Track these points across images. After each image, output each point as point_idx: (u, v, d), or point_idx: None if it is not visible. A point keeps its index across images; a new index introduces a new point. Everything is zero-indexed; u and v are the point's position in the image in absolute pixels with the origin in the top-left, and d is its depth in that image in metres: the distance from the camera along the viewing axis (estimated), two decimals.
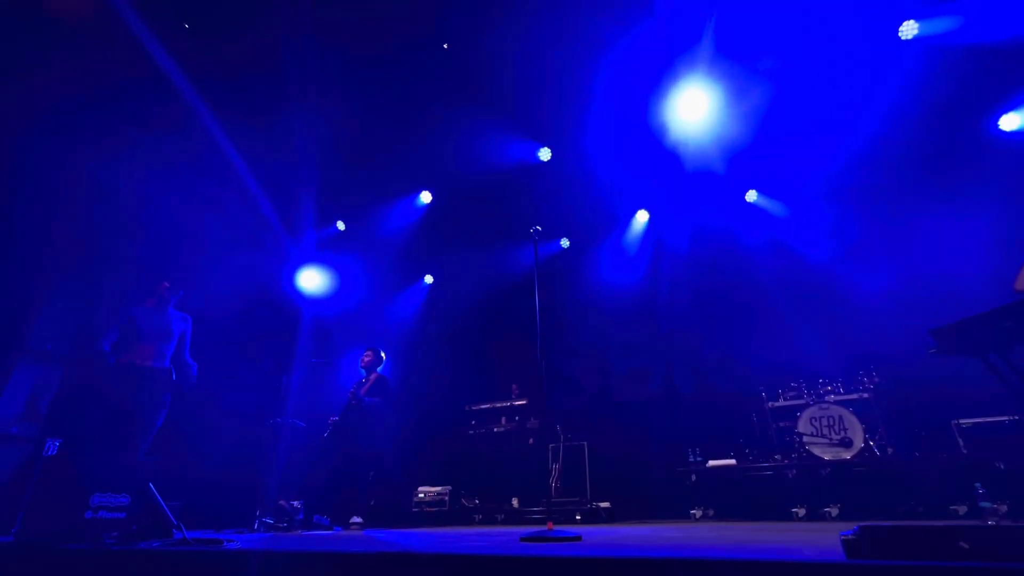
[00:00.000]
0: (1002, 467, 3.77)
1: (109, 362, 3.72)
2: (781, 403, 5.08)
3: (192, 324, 4.14)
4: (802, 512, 4.17)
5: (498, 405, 6.35)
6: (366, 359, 5.30)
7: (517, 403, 6.23)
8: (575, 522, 4.77)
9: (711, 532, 2.91)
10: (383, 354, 5.41)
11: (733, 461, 4.89)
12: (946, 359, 2.93)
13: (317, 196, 6.71)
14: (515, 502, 5.42)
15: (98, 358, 3.72)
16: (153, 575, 1.90)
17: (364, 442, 4.90)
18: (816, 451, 4.55)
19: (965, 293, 4.49)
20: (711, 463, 4.93)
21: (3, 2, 4.20)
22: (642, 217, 6.96)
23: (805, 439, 4.61)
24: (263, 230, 6.71)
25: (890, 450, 4.39)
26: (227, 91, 5.32)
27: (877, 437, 4.47)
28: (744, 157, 6.02)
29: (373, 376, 5.20)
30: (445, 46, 5.39)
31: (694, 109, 5.59)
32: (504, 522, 5.18)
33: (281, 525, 4.33)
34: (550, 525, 2.71)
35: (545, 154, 6.48)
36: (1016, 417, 3.97)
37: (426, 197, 7.16)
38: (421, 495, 5.77)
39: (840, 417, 4.56)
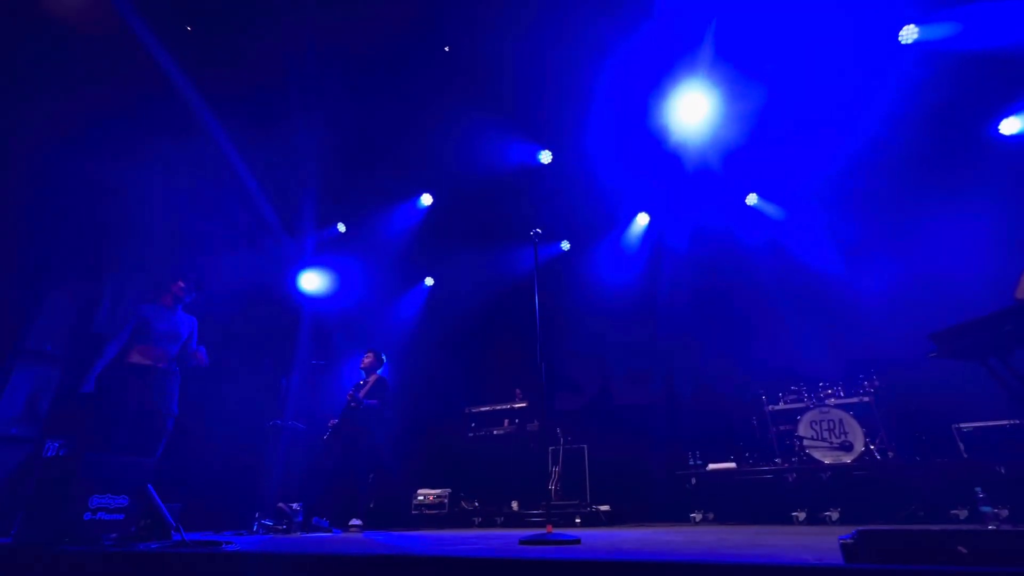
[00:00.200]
0: (1003, 471, 3.76)
1: (128, 361, 3.71)
2: (781, 406, 5.07)
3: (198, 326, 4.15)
4: (802, 516, 4.16)
5: (498, 408, 6.34)
6: (366, 361, 5.31)
7: (517, 406, 6.23)
8: (575, 525, 4.76)
9: (711, 536, 2.90)
10: (383, 356, 5.41)
11: (733, 464, 4.88)
12: (947, 363, 2.93)
13: (318, 198, 6.72)
14: (515, 505, 5.41)
15: (107, 359, 3.71)
16: None
17: (363, 444, 4.90)
18: (816, 455, 4.54)
19: (966, 296, 4.48)
20: (711, 466, 4.92)
21: (6, 5, 4.22)
22: (642, 220, 6.96)
23: (805, 443, 4.61)
24: (264, 232, 6.72)
25: (891, 454, 4.38)
26: (229, 93, 5.33)
27: (877, 441, 4.46)
28: (744, 160, 6.02)
29: (373, 378, 5.20)
30: (446, 48, 5.41)
31: (695, 112, 5.59)
32: (503, 525, 5.16)
33: (280, 527, 4.32)
34: (549, 528, 2.71)
35: (546, 156, 6.49)
36: (1017, 421, 3.96)
37: (427, 199, 7.17)
38: (420, 498, 5.76)
39: (840, 421, 4.56)
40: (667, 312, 6.54)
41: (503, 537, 3.12)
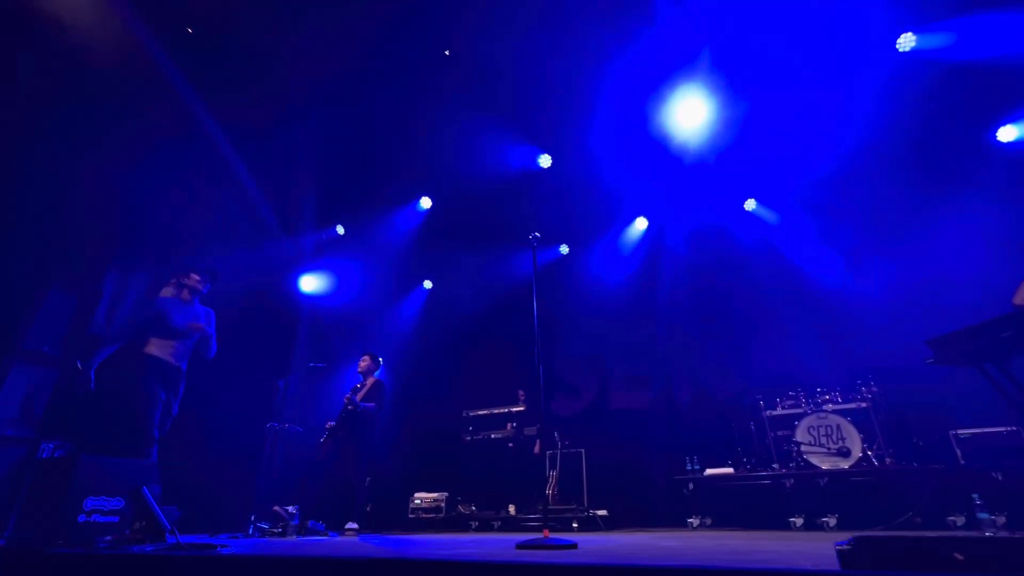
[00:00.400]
0: (1000, 478, 3.76)
1: (144, 352, 3.66)
2: (779, 412, 5.07)
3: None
4: (800, 521, 4.16)
5: (496, 411, 6.33)
6: (363, 364, 5.30)
7: (515, 409, 6.21)
8: (572, 530, 4.75)
9: (708, 541, 2.90)
10: (380, 359, 5.40)
11: (731, 470, 4.88)
12: (944, 369, 2.94)
13: (317, 201, 6.73)
14: (512, 509, 5.39)
15: (110, 352, 3.66)
16: None
17: (360, 447, 4.88)
18: (814, 460, 4.53)
19: (964, 302, 4.49)
20: (709, 471, 4.91)
21: (4, 6, 4.23)
22: (641, 224, 6.98)
23: (803, 448, 4.60)
24: (263, 234, 6.72)
25: (888, 460, 4.38)
26: (229, 95, 5.34)
27: (875, 447, 4.46)
28: (743, 166, 6.05)
29: (370, 381, 5.19)
30: (446, 52, 5.43)
31: (693, 117, 5.62)
32: (500, 529, 5.15)
33: (276, 530, 4.30)
34: (546, 533, 2.70)
35: (545, 160, 6.51)
36: (1014, 428, 3.97)
37: (426, 203, 7.18)
38: (417, 501, 5.74)
39: (838, 426, 4.55)
40: (666, 317, 6.54)
41: (500, 541, 3.11)
